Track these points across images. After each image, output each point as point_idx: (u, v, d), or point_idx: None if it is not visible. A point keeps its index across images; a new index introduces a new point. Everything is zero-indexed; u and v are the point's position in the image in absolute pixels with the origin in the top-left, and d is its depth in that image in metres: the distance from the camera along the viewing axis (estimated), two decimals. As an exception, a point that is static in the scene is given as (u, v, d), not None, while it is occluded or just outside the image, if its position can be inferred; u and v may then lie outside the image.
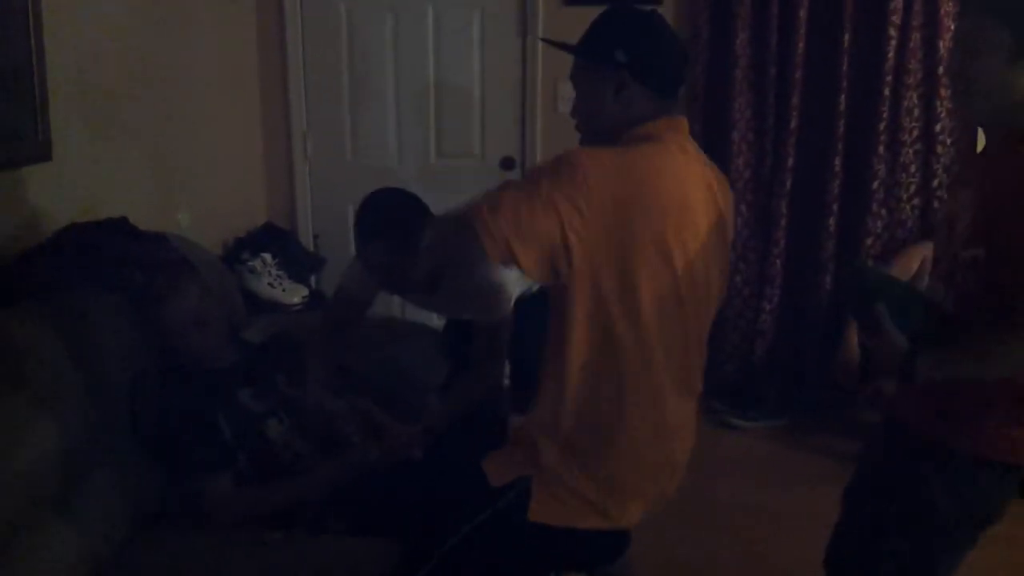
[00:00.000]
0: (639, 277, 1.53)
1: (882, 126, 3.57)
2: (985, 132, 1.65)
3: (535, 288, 2.23)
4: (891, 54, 3.51)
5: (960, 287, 1.54)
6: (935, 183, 3.62)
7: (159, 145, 2.97)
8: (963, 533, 1.64)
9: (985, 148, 1.65)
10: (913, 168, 3.63)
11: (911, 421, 1.64)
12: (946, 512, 1.59)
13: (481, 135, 3.86)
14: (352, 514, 2.00)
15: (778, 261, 3.73)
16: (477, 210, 1.48)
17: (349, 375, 2.40)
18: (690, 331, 1.66)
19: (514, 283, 2.17)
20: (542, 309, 1.66)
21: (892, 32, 3.48)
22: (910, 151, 3.61)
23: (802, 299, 3.76)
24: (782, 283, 3.77)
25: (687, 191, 1.60)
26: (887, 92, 3.54)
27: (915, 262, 3.47)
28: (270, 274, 3.32)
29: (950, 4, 3.47)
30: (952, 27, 3.48)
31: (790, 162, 3.66)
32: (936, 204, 3.64)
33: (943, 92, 3.54)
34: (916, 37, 3.51)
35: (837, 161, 3.62)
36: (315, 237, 3.97)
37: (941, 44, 3.49)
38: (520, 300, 2.26)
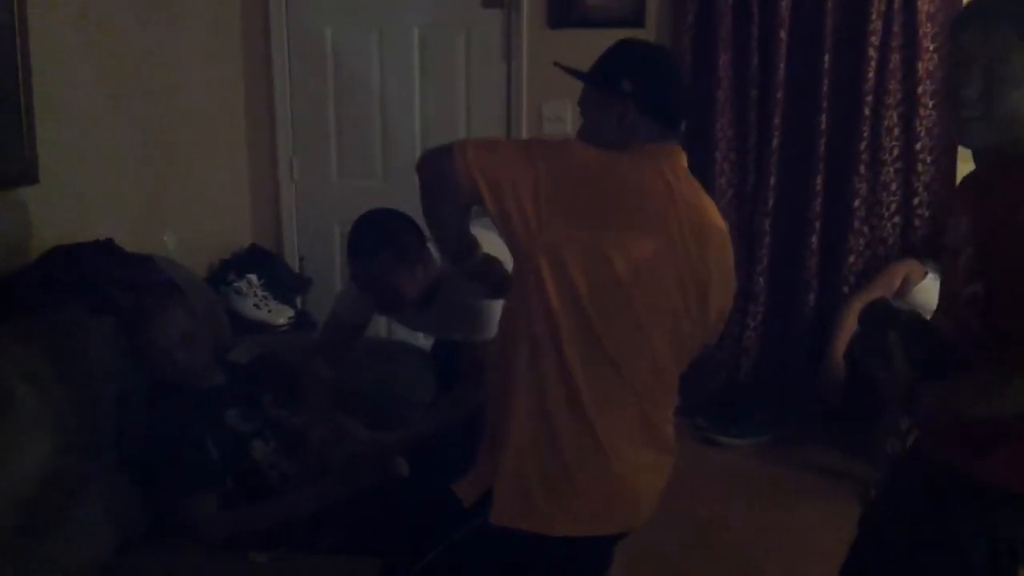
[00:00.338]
0: (575, 272, 1.56)
1: (863, 145, 3.62)
2: (975, 155, 1.56)
3: None
4: (871, 74, 3.55)
5: (961, 322, 1.50)
6: (916, 201, 3.67)
7: (145, 167, 2.98)
8: (999, 570, 1.55)
9: (976, 174, 1.59)
10: (894, 187, 3.67)
11: (933, 455, 1.59)
12: (973, 547, 1.52)
13: (466, 156, 3.87)
14: (338, 534, 2.00)
15: (761, 279, 3.76)
16: (462, 140, 1.59)
17: (341, 397, 2.41)
18: (643, 348, 1.66)
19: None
20: None
21: (872, 53, 3.53)
22: (891, 170, 3.65)
23: (786, 316, 3.79)
24: (766, 300, 3.79)
25: (644, 205, 1.63)
26: (867, 112, 3.59)
27: (897, 280, 3.51)
28: (256, 295, 3.32)
29: (929, 25, 3.53)
30: (930, 48, 3.54)
31: (772, 181, 3.70)
32: (917, 222, 3.68)
33: (923, 112, 3.58)
34: (895, 58, 3.56)
35: (819, 180, 3.66)
36: (301, 259, 3.97)
37: (920, 65, 3.54)
38: None
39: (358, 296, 2.25)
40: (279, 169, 3.91)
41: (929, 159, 3.64)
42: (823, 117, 3.61)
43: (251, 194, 3.92)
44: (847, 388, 3.37)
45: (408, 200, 3.77)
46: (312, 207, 3.95)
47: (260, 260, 3.54)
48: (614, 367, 1.61)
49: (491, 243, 2.33)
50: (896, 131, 3.62)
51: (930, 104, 3.59)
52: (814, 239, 3.69)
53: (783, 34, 3.57)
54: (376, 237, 2.11)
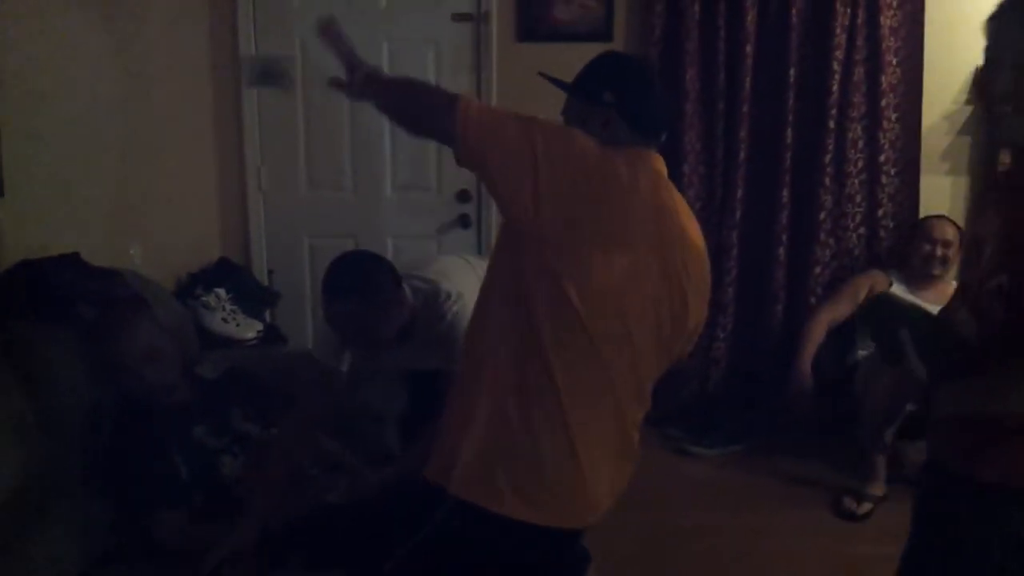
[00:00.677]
0: (564, 268, 1.56)
1: (828, 158, 3.67)
2: (1014, 153, 1.56)
3: None
4: (835, 88, 3.61)
5: (985, 316, 1.48)
6: (880, 213, 3.73)
7: (112, 181, 2.95)
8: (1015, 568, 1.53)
9: (1010, 169, 1.61)
10: (859, 198, 3.73)
11: (942, 458, 1.57)
12: (987, 546, 1.51)
13: (437, 168, 3.88)
14: (308, 549, 1.98)
15: (730, 290, 3.80)
16: (465, 102, 1.53)
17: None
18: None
19: None
20: None
21: (836, 67, 3.59)
22: (856, 182, 3.71)
23: (754, 327, 3.83)
24: (735, 312, 3.83)
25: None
26: (832, 125, 3.65)
27: (863, 291, 3.56)
28: (224, 309, 3.29)
29: (892, 40, 3.59)
30: (893, 62, 3.60)
31: (740, 193, 3.74)
32: (882, 233, 3.74)
33: (886, 125, 3.65)
34: (859, 71, 3.63)
35: (785, 192, 3.70)
36: (270, 272, 3.95)
37: (883, 78, 3.61)
38: None
39: (334, 342, 2.23)
40: (247, 180, 3.89)
41: (893, 171, 3.71)
42: (789, 131, 3.67)
43: (219, 206, 3.88)
44: (816, 398, 3.40)
45: (377, 212, 3.83)
46: (281, 219, 3.93)
47: (228, 273, 3.51)
48: (598, 371, 1.62)
49: (458, 273, 2.34)
50: (860, 144, 3.68)
51: (893, 117, 3.66)
52: (781, 251, 3.74)
53: (749, 48, 3.63)
54: (351, 278, 2.12)
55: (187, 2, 3.58)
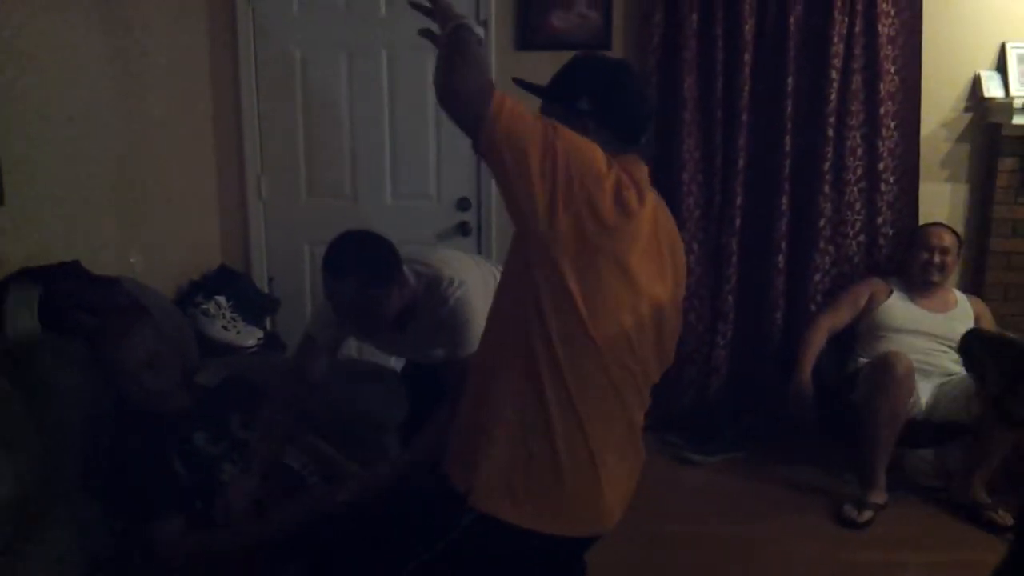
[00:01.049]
0: (574, 272, 1.56)
1: (827, 166, 3.68)
2: None
3: None
4: (833, 96, 3.62)
5: None
6: (879, 220, 3.73)
7: (112, 189, 2.95)
8: None
9: None
10: (858, 206, 3.73)
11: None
12: None
13: (437, 177, 3.89)
14: (306, 558, 1.98)
15: (730, 297, 3.80)
16: (499, 98, 1.52)
17: (307, 419, 2.39)
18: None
19: (483, 316, 2.19)
20: None
21: (834, 75, 3.60)
22: (855, 189, 3.72)
23: (754, 334, 3.83)
24: (735, 319, 3.83)
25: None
26: (831, 133, 3.65)
27: (862, 299, 3.57)
28: (224, 317, 3.29)
29: (889, 48, 3.60)
30: (891, 70, 3.61)
31: (739, 201, 3.74)
32: (881, 241, 3.75)
33: (885, 132, 3.66)
34: (857, 80, 3.64)
35: (784, 200, 3.71)
36: (270, 279, 3.95)
37: (882, 86, 3.61)
38: None
39: (332, 318, 2.23)
40: (247, 188, 3.89)
41: (892, 179, 3.71)
42: (788, 139, 3.67)
43: (220, 214, 3.89)
44: (816, 405, 3.41)
45: (377, 220, 3.83)
46: (281, 227, 3.94)
47: (229, 281, 3.52)
48: (606, 378, 1.63)
49: (460, 262, 2.34)
50: (859, 151, 3.69)
51: (892, 125, 3.67)
52: (781, 258, 3.74)
53: (747, 57, 3.63)
54: (353, 258, 2.10)
55: (187, 3, 3.59)
